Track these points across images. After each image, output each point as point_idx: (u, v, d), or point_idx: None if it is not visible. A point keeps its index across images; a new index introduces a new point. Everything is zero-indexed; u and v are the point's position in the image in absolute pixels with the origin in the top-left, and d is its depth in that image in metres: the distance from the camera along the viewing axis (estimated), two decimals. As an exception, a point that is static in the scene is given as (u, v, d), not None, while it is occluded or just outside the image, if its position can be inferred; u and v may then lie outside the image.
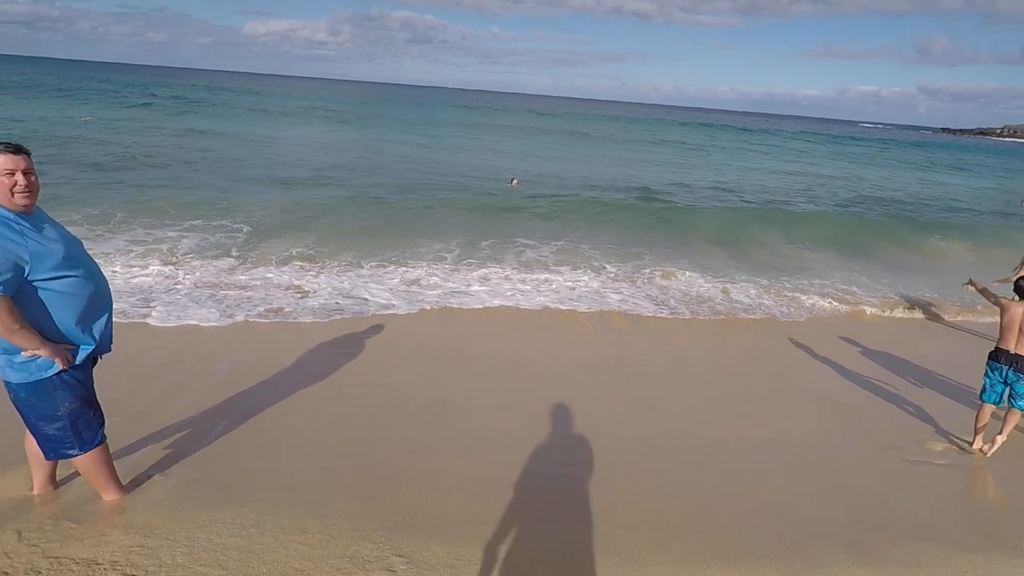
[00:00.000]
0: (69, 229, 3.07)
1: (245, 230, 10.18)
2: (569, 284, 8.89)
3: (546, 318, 7.49)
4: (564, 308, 7.79)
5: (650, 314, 7.88)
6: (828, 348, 7.09)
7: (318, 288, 7.79)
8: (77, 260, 2.88)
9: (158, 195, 12.10)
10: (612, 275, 9.51)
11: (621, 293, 8.67)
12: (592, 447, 4.39)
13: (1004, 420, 4.75)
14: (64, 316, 2.82)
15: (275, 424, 4.40)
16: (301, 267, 8.55)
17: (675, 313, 8.00)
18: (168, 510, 3.32)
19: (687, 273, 9.74)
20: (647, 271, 9.83)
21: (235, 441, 4.13)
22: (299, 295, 7.50)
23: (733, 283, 9.47)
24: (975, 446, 4.83)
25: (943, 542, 3.62)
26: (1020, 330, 4.57)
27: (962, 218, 19.08)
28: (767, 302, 8.82)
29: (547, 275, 9.23)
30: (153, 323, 6.22)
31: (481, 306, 7.64)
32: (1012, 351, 4.61)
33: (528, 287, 8.61)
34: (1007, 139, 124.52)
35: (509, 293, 8.26)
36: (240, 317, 6.55)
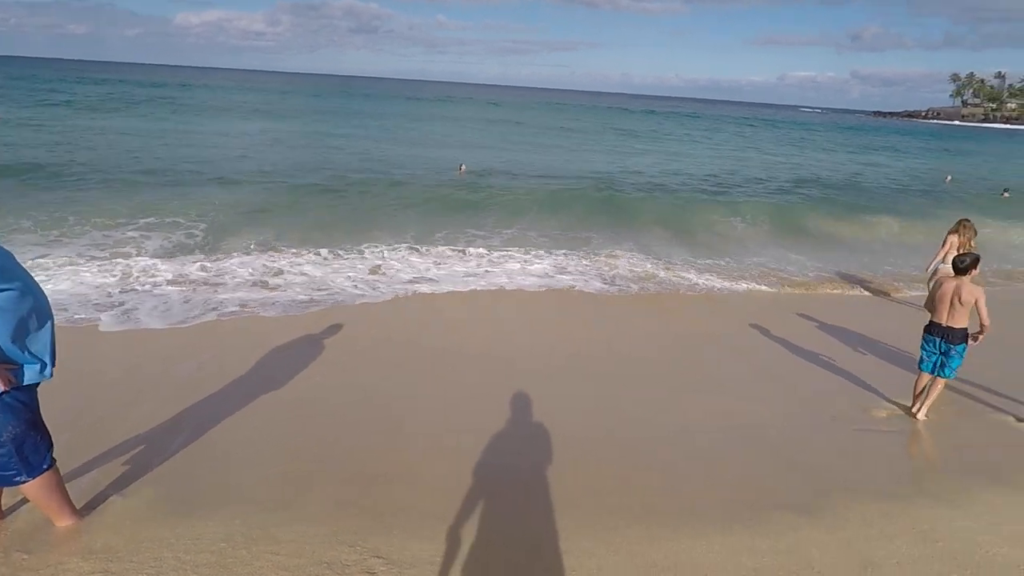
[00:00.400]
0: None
1: (202, 227, 10.04)
2: (521, 267, 9.11)
3: (506, 303, 7.59)
4: (521, 290, 7.99)
5: (598, 292, 8.23)
6: (775, 324, 7.39)
7: (282, 283, 7.70)
8: (10, 273, 2.69)
9: (103, 197, 11.61)
10: (562, 257, 9.76)
11: (571, 274, 8.95)
12: (561, 437, 4.45)
13: (928, 388, 5.06)
14: (0, 333, 2.64)
15: (240, 430, 4.28)
16: (264, 264, 8.37)
17: (624, 291, 8.35)
18: (129, 530, 3.19)
19: (633, 254, 10.15)
20: (600, 254, 10.15)
21: (199, 451, 4.00)
22: (265, 290, 7.39)
23: (673, 263, 9.95)
24: (915, 410, 5.13)
25: (891, 500, 3.87)
26: (951, 304, 4.83)
27: (895, 197, 20.14)
28: (705, 281, 9.17)
29: (501, 260, 9.36)
30: (109, 328, 5.96)
31: (441, 291, 7.73)
32: (944, 324, 4.89)
33: (483, 271, 8.73)
34: (931, 121, 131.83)
35: (465, 279, 8.34)
36: (207, 317, 6.38)
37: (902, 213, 16.21)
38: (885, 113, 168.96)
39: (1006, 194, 21.02)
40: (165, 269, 7.77)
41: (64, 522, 3.14)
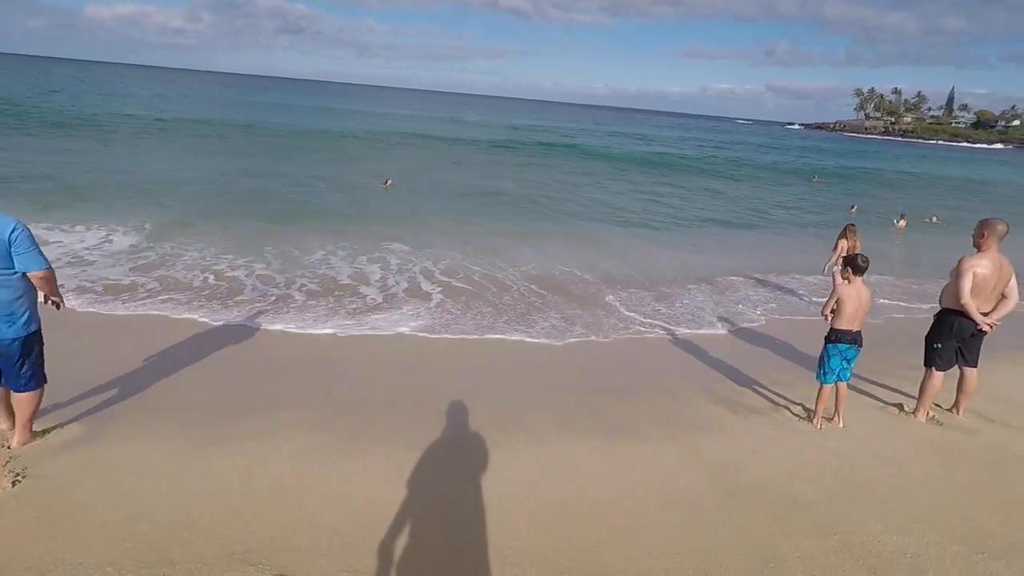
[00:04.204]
0: None
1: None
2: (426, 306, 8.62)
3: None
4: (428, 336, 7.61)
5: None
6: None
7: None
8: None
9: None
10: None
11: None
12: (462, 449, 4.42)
13: (839, 396, 5.10)
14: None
15: (128, 450, 3.98)
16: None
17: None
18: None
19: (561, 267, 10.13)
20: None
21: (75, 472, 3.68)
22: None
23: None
24: (838, 421, 5.13)
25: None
26: (862, 308, 4.86)
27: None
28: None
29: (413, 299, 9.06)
30: None
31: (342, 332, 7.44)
32: (855, 329, 4.91)
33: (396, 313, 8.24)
34: (842, 133, 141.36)
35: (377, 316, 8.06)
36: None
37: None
38: (799, 124, 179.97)
39: (816, 179, 25.77)
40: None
41: (25, 436, 3.91)
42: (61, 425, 4.21)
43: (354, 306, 7.61)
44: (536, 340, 6.97)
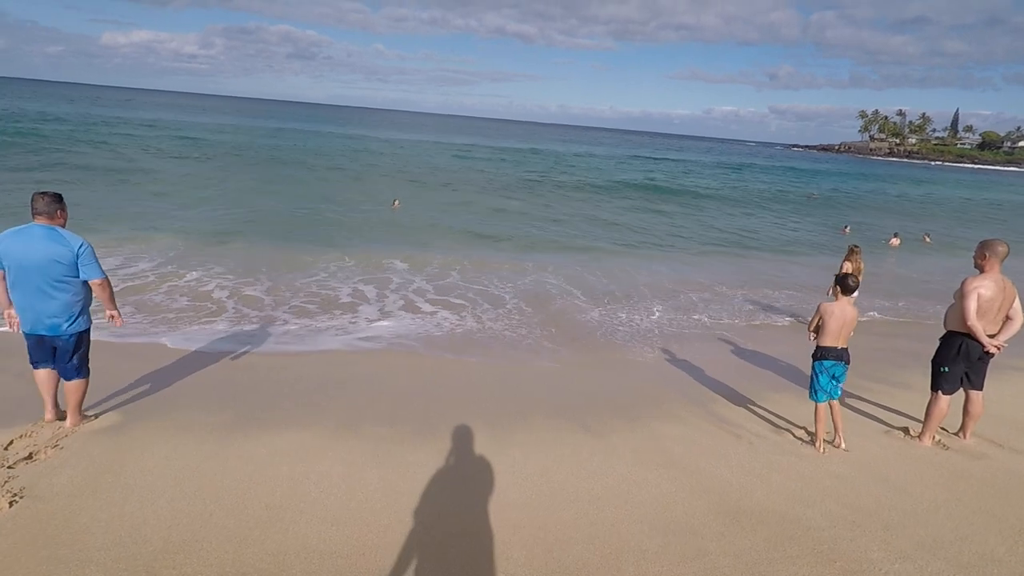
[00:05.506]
0: None
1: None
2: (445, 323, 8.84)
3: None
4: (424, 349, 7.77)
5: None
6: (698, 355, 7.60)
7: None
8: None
9: None
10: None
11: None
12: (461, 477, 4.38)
13: (834, 414, 5.08)
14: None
15: (135, 467, 3.98)
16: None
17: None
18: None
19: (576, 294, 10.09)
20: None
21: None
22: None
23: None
24: (839, 443, 5.10)
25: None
26: (848, 327, 4.93)
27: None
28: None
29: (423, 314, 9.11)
30: None
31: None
32: (841, 347, 4.96)
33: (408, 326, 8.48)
34: (845, 154, 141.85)
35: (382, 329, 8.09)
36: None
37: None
38: (802, 146, 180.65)
39: (815, 194, 26.08)
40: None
41: (76, 418, 4.56)
42: (59, 445, 4.23)
43: (353, 324, 7.67)
44: (535, 360, 6.96)
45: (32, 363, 4.45)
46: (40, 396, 4.57)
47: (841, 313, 4.89)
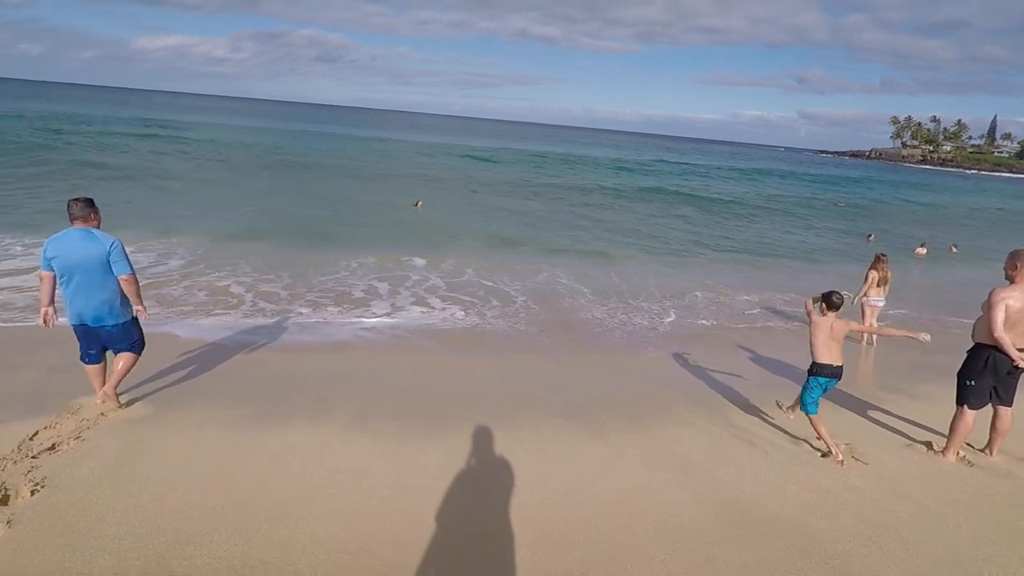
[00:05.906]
0: None
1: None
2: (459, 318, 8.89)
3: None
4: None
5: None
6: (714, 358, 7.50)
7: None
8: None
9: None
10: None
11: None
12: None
13: (819, 432, 5.00)
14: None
15: (157, 453, 4.07)
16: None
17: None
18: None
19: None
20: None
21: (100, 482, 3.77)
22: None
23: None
24: (839, 459, 4.98)
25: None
26: (835, 340, 4.92)
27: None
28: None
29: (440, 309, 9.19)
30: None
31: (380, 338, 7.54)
32: (835, 364, 4.93)
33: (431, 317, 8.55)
34: (876, 160, 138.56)
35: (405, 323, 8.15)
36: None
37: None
38: (832, 152, 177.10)
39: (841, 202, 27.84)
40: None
41: (113, 387, 4.84)
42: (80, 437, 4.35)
43: (367, 320, 7.80)
44: (542, 359, 6.96)
45: (81, 357, 4.78)
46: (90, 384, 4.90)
47: (829, 329, 4.92)
